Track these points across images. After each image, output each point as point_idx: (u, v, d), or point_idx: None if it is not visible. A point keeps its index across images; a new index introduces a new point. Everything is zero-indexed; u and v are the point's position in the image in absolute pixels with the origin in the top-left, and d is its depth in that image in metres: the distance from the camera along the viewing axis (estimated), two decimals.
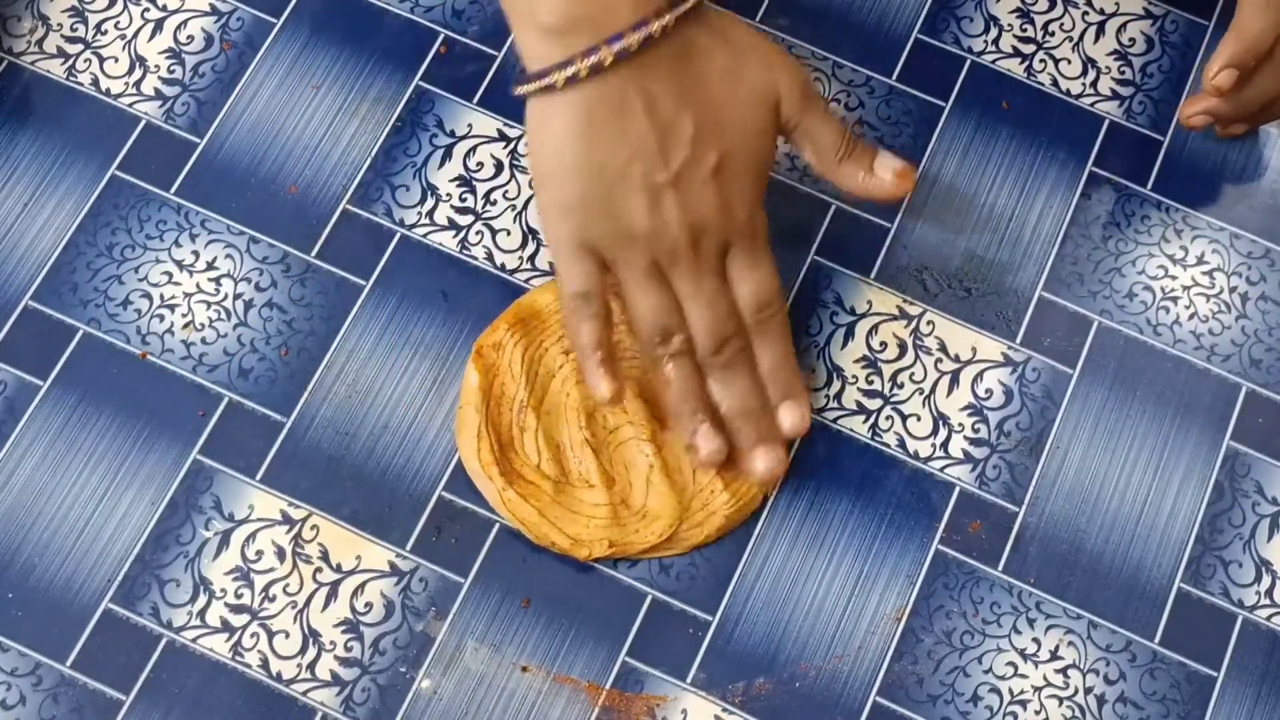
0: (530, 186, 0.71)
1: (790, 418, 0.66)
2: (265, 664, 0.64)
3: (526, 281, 0.70)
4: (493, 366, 0.68)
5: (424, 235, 0.71)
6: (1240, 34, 0.67)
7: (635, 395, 0.68)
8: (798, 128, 0.65)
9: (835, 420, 0.69)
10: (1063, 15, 0.76)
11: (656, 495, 0.67)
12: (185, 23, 0.74)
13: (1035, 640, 0.66)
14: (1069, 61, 0.75)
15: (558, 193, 0.63)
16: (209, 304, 0.69)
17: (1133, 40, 0.76)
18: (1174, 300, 0.71)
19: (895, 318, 0.71)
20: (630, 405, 0.68)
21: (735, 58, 0.63)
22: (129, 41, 0.73)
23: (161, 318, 0.69)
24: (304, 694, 0.64)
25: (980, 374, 0.70)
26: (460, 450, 0.67)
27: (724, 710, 0.64)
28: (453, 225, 0.71)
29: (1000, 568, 0.67)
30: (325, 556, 0.66)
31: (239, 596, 0.65)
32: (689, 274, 0.63)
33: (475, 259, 0.71)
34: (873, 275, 0.71)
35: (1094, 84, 0.75)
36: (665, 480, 0.67)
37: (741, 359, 0.65)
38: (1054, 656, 0.66)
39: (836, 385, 0.69)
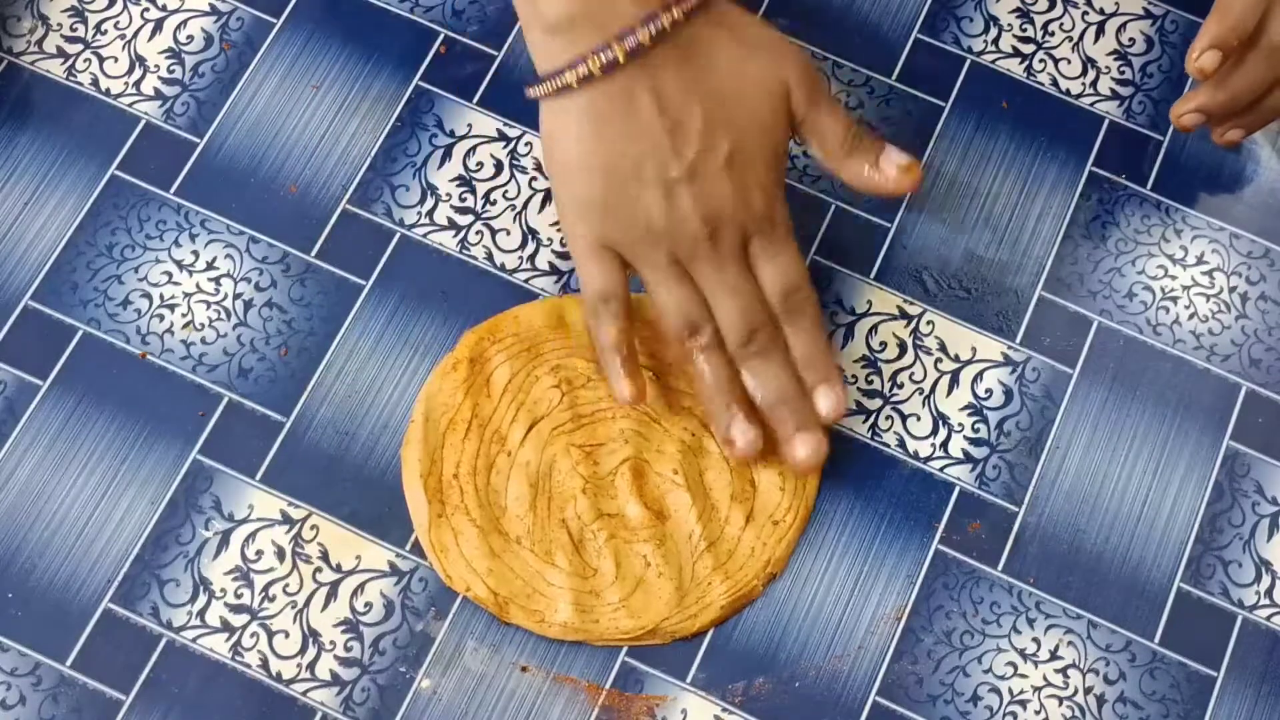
0: (546, 185, 0.71)
1: (827, 402, 0.65)
2: (265, 664, 0.64)
3: (526, 281, 0.70)
4: (465, 383, 0.67)
5: (424, 235, 0.71)
6: (1223, 14, 0.66)
7: (638, 498, 0.66)
8: (805, 121, 0.65)
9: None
10: (1063, 15, 0.76)
11: (645, 595, 0.65)
12: (185, 23, 0.74)
13: (1035, 640, 0.66)
14: (1069, 61, 0.75)
15: (573, 192, 0.63)
16: (209, 304, 0.69)
17: (1132, 40, 0.76)
18: (1174, 300, 0.72)
19: (895, 318, 0.71)
20: (633, 509, 0.66)
21: (743, 50, 0.63)
22: (129, 41, 0.73)
23: (161, 318, 0.69)
24: (304, 694, 0.64)
25: (980, 374, 0.70)
26: (403, 464, 0.66)
27: (724, 710, 0.64)
28: (453, 225, 0.71)
29: (1000, 568, 0.67)
30: (325, 556, 0.66)
31: (239, 596, 0.65)
32: (711, 266, 0.63)
33: (475, 259, 0.71)
34: (873, 275, 0.71)
35: (1094, 84, 0.75)
36: (660, 582, 0.65)
37: (774, 346, 0.64)
38: (1054, 656, 0.66)
39: None
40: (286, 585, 0.65)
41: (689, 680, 0.65)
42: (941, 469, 0.68)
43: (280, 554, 0.66)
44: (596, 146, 0.62)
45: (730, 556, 0.65)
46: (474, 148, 0.73)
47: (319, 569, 0.66)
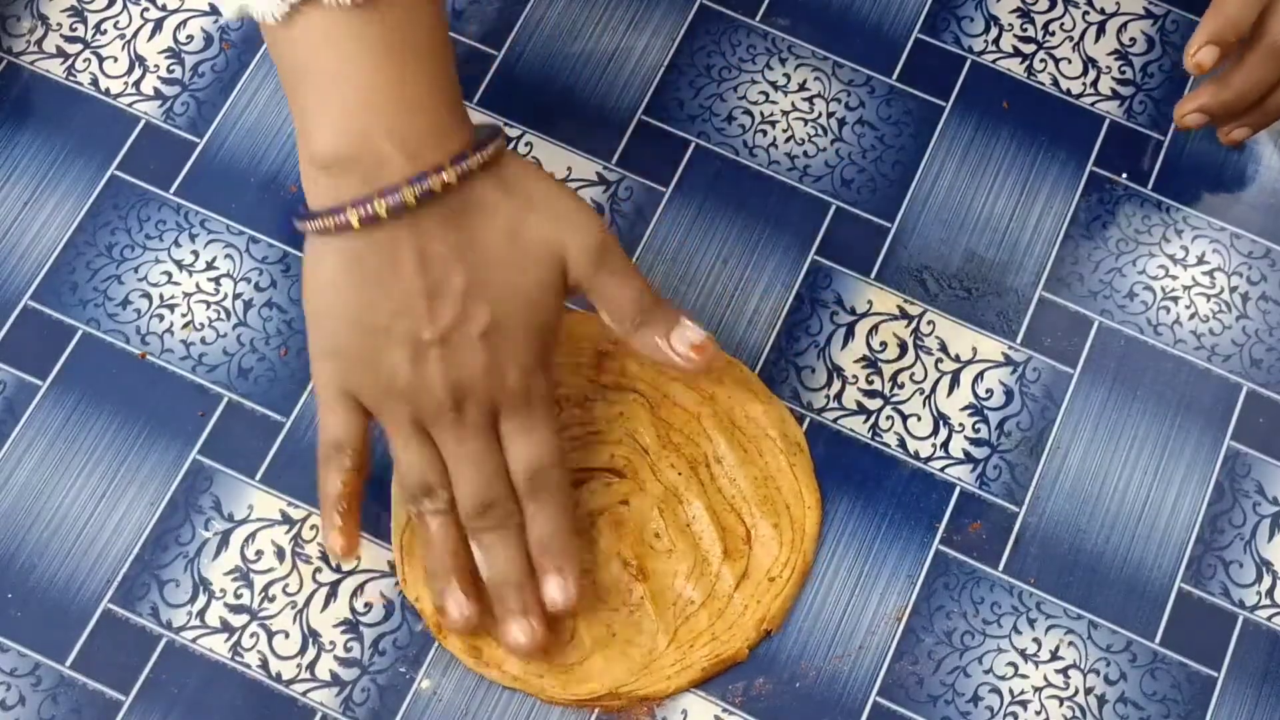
0: None
1: (556, 592, 0.61)
2: (265, 664, 0.64)
3: None
4: None
5: None
6: (1220, 9, 0.66)
7: (618, 555, 0.65)
8: (590, 288, 0.62)
9: (835, 420, 0.69)
10: (1063, 15, 0.76)
11: (604, 659, 0.63)
12: (185, 22, 0.74)
13: (1035, 640, 0.66)
14: (1069, 61, 0.75)
15: (322, 336, 0.61)
16: (209, 304, 0.69)
17: (1133, 40, 0.76)
18: (1174, 300, 0.71)
19: (895, 318, 0.71)
20: (614, 568, 0.65)
21: (521, 213, 0.60)
22: (128, 41, 0.73)
23: (161, 318, 0.69)
24: (304, 694, 0.64)
25: (980, 374, 0.70)
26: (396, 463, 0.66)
27: (724, 710, 0.64)
28: None
29: (1000, 568, 0.67)
30: (325, 557, 0.66)
31: (238, 597, 0.65)
32: (452, 434, 0.61)
33: None
34: (873, 275, 0.71)
35: (1094, 84, 0.75)
36: (621, 647, 0.63)
37: (508, 524, 0.62)
38: (1054, 657, 0.66)
39: (836, 385, 0.69)
40: (286, 585, 0.65)
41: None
42: (942, 469, 0.68)
43: (280, 554, 0.66)
44: (350, 295, 0.59)
45: (720, 616, 0.64)
46: None
47: (319, 569, 0.66)
